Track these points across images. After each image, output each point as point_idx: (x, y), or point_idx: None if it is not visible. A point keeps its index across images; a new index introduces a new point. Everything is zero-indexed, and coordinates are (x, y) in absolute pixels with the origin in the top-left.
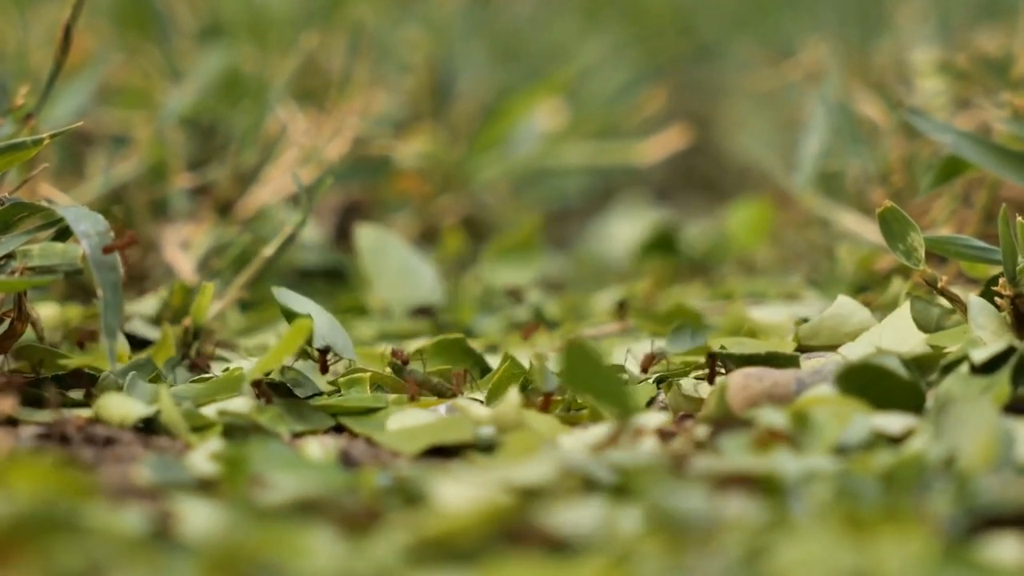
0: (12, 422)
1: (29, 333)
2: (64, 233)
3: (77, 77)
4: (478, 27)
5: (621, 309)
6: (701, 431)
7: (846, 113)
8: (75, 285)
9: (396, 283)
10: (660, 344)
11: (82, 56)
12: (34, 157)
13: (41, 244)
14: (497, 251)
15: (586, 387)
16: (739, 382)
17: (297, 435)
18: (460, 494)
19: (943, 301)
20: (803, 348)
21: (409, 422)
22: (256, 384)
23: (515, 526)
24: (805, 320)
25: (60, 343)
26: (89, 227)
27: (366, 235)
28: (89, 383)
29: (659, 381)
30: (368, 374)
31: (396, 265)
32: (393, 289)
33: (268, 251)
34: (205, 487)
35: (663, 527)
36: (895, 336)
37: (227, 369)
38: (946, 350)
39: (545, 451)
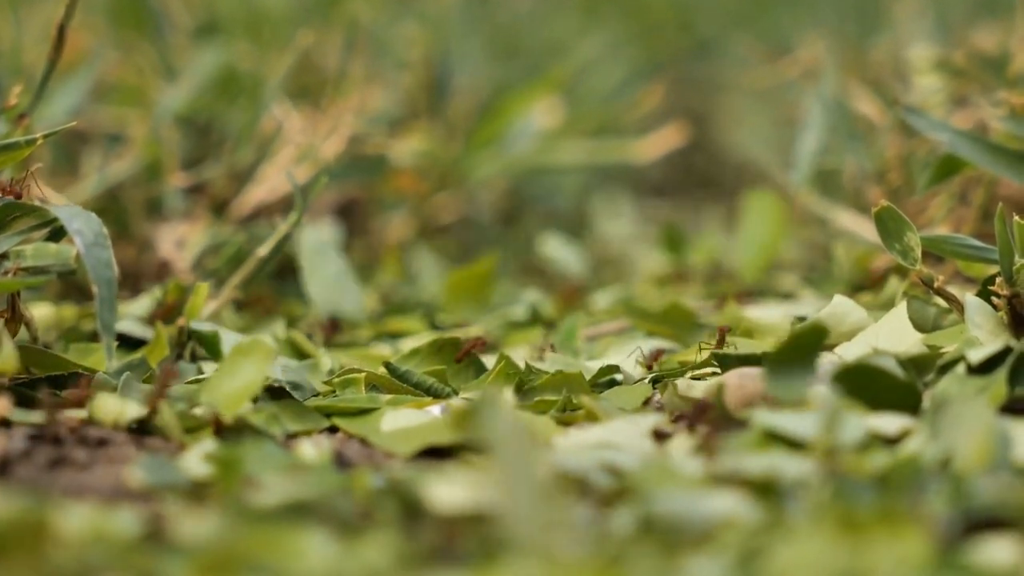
0: (5, 423)
1: (23, 334)
2: (58, 233)
3: (72, 75)
4: (475, 24)
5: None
6: (697, 431)
7: (843, 110)
8: (69, 285)
9: (327, 289)
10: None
11: (77, 54)
12: (28, 156)
13: (35, 244)
14: (452, 286)
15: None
16: (735, 382)
17: (291, 436)
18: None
19: (940, 301)
20: None
21: (404, 423)
22: (217, 426)
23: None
24: (802, 319)
25: (54, 344)
26: (83, 226)
27: (310, 235)
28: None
29: (655, 381)
30: (363, 374)
31: (331, 272)
32: (323, 293)
33: (263, 251)
34: (198, 489)
35: (657, 528)
36: (891, 336)
37: None
38: (943, 350)
39: (540, 452)
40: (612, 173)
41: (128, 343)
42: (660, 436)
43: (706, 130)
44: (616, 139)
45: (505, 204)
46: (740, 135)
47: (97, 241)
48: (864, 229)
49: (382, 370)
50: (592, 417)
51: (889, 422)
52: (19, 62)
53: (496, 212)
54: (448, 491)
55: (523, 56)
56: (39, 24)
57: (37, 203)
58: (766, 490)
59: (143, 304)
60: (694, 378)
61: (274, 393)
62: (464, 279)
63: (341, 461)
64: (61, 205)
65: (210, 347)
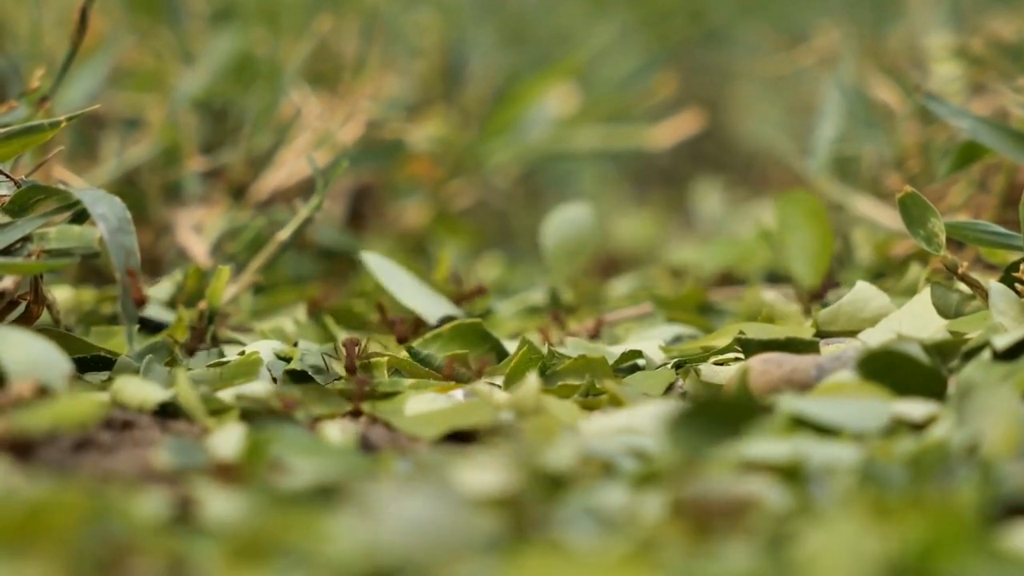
0: None
1: (45, 316)
2: (80, 216)
3: (90, 60)
4: (488, 11)
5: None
6: None
7: (860, 98)
8: (88, 268)
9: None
10: None
11: (94, 39)
12: (49, 140)
13: (58, 227)
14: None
15: None
16: (759, 368)
17: (315, 419)
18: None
19: (962, 287)
20: (821, 334)
21: (427, 407)
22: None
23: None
24: (824, 305)
25: (74, 327)
26: (107, 210)
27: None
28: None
29: (677, 366)
30: (386, 358)
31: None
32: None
33: (283, 235)
34: (225, 472)
35: (686, 513)
36: (915, 322)
37: (243, 353)
38: (967, 336)
39: (565, 436)
40: (621, 161)
41: (148, 326)
42: None
43: (716, 118)
44: (630, 126)
45: (520, 190)
46: (751, 123)
47: (122, 226)
48: (883, 216)
49: (404, 354)
50: (616, 402)
51: (915, 408)
52: (38, 46)
53: (511, 198)
54: (477, 475)
55: (533, 44)
56: (57, 8)
57: (60, 186)
58: (793, 475)
59: (164, 288)
60: (717, 363)
61: (297, 377)
62: None
63: (366, 445)
64: (84, 188)
65: None
